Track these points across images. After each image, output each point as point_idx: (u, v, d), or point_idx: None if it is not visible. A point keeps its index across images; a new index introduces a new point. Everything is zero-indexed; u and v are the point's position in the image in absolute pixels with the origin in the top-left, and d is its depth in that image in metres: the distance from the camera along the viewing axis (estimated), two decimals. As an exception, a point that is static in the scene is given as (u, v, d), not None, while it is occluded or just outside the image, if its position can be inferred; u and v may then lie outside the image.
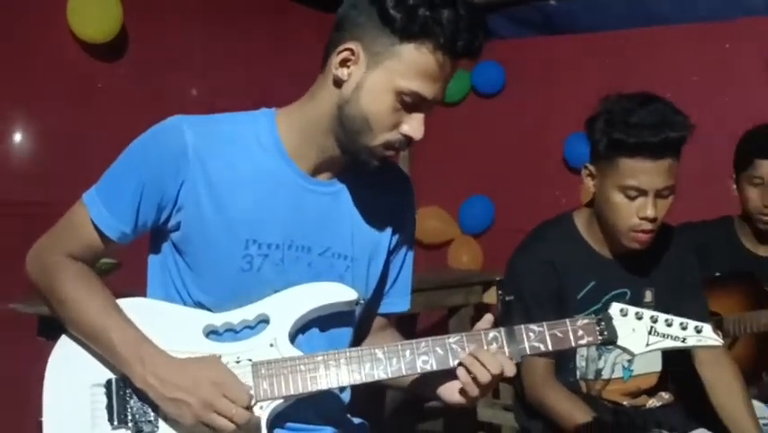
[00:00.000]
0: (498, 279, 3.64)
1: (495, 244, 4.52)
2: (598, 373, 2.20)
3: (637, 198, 2.04)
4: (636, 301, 2.16)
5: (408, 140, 1.59)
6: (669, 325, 1.60)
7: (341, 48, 1.57)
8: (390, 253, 1.80)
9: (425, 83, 1.54)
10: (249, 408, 1.52)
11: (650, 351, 1.59)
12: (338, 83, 1.59)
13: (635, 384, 2.22)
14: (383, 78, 1.54)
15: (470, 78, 4.74)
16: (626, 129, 2.00)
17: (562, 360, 2.18)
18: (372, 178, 1.71)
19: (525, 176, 4.55)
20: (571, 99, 4.35)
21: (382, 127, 1.57)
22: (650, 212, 2.03)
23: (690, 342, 1.59)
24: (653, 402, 2.25)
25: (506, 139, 4.66)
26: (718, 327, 2.54)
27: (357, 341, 1.78)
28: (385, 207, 1.76)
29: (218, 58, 4.02)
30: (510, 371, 1.53)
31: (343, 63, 1.57)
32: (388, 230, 1.78)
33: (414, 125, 1.58)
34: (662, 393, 2.26)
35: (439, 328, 3.99)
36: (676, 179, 2.06)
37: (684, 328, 1.60)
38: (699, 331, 1.59)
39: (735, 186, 2.65)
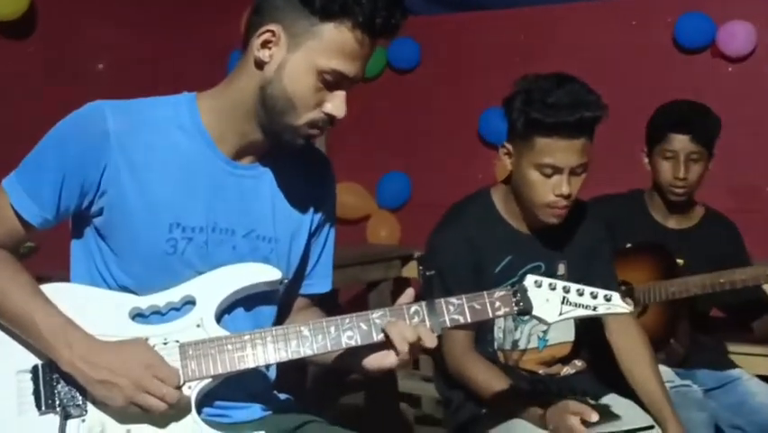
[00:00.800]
0: (418, 255, 3.72)
1: (412, 219, 4.60)
2: (515, 343, 2.28)
3: (553, 175, 2.11)
4: (550, 274, 2.24)
5: (331, 118, 1.62)
6: (581, 294, 1.67)
7: (261, 30, 1.59)
8: (311, 235, 1.83)
9: (345, 61, 1.57)
10: (179, 387, 1.54)
11: (563, 319, 1.67)
12: (260, 65, 1.60)
13: (550, 353, 2.31)
14: (305, 59, 1.57)
15: (386, 55, 4.77)
16: (543, 109, 2.06)
17: (481, 332, 2.24)
18: (294, 162, 1.75)
19: (440, 151, 4.62)
20: (485, 75, 4.46)
21: (305, 107, 1.59)
22: (565, 189, 2.11)
23: (601, 310, 1.67)
24: (567, 370, 2.33)
25: (421, 115, 4.71)
26: (629, 295, 2.65)
27: (280, 321, 1.81)
28: (306, 190, 1.79)
29: (129, 35, 3.96)
30: (430, 342, 1.58)
31: (264, 45, 1.59)
32: (309, 212, 1.81)
33: (336, 104, 1.61)
34: (576, 361, 2.35)
35: (359, 303, 4.03)
36: (589, 157, 2.14)
37: (595, 297, 1.67)
38: (608, 300, 1.67)
39: (647, 159, 2.74)
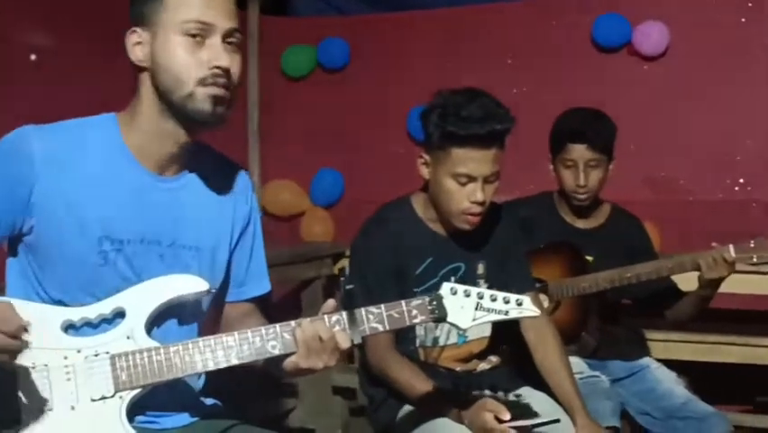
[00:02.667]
0: (340, 267, 3.83)
1: (345, 216, 4.69)
2: (435, 340, 2.40)
3: (468, 183, 2.25)
4: (470, 274, 2.38)
5: (220, 70, 1.68)
6: (494, 300, 1.79)
7: (126, 38, 1.73)
8: (236, 243, 1.92)
9: (200, 9, 1.68)
10: (16, 336, 1.53)
11: (476, 324, 1.79)
12: (141, 67, 1.72)
13: (468, 349, 2.44)
14: (165, 31, 1.69)
15: (316, 54, 4.85)
16: (457, 122, 2.20)
17: (403, 330, 2.36)
18: (214, 173, 1.86)
19: (372, 148, 4.71)
20: (413, 74, 4.57)
21: (187, 70, 1.68)
22: (479, 196, 2.25)
23: (513, 314, 1.80)
24: (482, 366, 2.46)
25: (352, 113, 4.80)
26: (543, 291, 2.80)
27: (213, 329, 1.90)
28: (225, 200, 1.89)
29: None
30: (344, 342, 1.69)
31: (134, 48, 1.72)
32: (230, 221, 1.90)
33: (213, 52, 1.69)
34: (491, 357, 2.48)
35: (292, 302, 4.13)
36: (501, 166, 2.28)
37: (507, 302, 1.80)
38: (519, 304, 1.80)
39: (551, 166, 2.89)
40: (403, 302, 1.76)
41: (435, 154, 2.28)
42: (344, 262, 4.11)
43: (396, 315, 1.75)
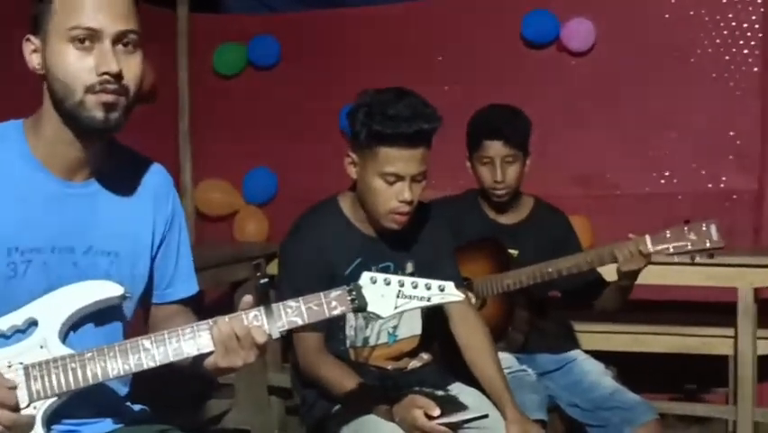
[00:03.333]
0: (255, 262, 3.80)
1: (279, 214, 4.66)
2: (366, 340, 2.40)
3: (395, 183, 2.25)
4: (399, 272, 2.38)
5: (109, 76, 1.65)
6: (415, 287, 1.76)
7: (23, 47, 1.71)
8: (161, 243, 1.89)
9: (86, 14, 1.64)
10: (16, 409, 1.58)
11: (398, 312, 1.76)
12: (39, 75, 1.70)
13: (399, 348, 2.44)
14: (55, 39, 1.66)
15: (246, 52, 4.82)
16: (384, 121, 2.20)
17: (332, 331, 2.36)
18: (130, 174, 1.83)
19: (305, 146, 4.69)
20: (345, 72, 4.57)
21: (75, 77, 1.65)
22: (407, 195, 2.26)
23: (435, 300, 1.76)
24: (413, 364, 2.48)
25: (284, 111, 4.77)
26: (470, 289, 2.82)
27: (140, 332, 1.87)
28: (145, 201, 1.85)
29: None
30: (261, 337, 1.68)
31: (31, 56, 1.70)
32: (150, 223, 1.86)
33: (101, 58, 1.65)
34: (422, 355, 2.49)
35: (225, 303, 4.09)
36: (428, 165, 2.28)
37: (429, 288, 1.76)
38: (442, 289, 1.76)
39: (469, 164, 2.91)
40: (321, 294, 1.73)
41: (362, 153, 2.28)
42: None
43: (314, 307, 1.72)
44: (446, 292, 1.77)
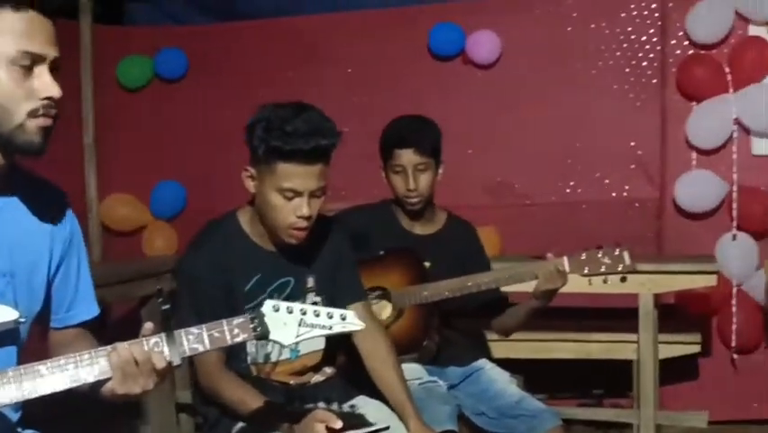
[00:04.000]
0: (158, 288, 3.74)
1: (189, 228, 4.56)
2: (268, 356, 2.38)
3: (294, 198, 2.23)
4: (300, 287, 2.38)
5: (51, 101, 1.65)
6: (317, 315, 1.79)
7: None
8: (59, 266, 1.85)
9: (26, 39, 1.63)
10: None
11: (300, 340, 1.79)
12: None
13: (302, 363, 2.42)
14: None
15: (153, 65, 4.75)
16: (282, 137, 2.18)
17: (234, 348, 2.32)
18: (29, 196, 1.78)
19: (213, 159, 4.64)
20: (253, 84, 4.54)
21: (16, 101, 1.63)
22: (305, 211, 2.24)
23: (336, 328, 1.79)
24: (317, 378, 2.46)
25: (192, 123, 4.73)
26: (387, 299, 2.83)
27: (42, 356, 1.82)
28: (43, 222, 1.81)
29: None
30: (160, 363, 1.67)
31: None
32: (48, 245, 1.82)
33: (43, 82, 1.64)
34: (326, 369, 2.48)
35: (131, 320, 4.02)
36: (327, 180, 2.28)
37: (331, 317, 1.79)
38: (343, 318, 1.79)
39: (384, 174, 2.93)
40: (224, 321, 1.74)
41: (260, 168, 2.26)
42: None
43: (216, 334, 1.73)
44: (347, 321, 1.80)
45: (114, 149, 4.78)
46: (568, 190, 4.39)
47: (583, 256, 2.68)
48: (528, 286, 2.80)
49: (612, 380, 4.18)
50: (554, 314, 4.11)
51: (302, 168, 2.20)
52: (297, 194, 2.23)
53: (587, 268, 2.68)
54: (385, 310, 2.82)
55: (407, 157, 2.81)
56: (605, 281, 2.72)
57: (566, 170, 4.38)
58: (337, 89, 4.56)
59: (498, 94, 4.43)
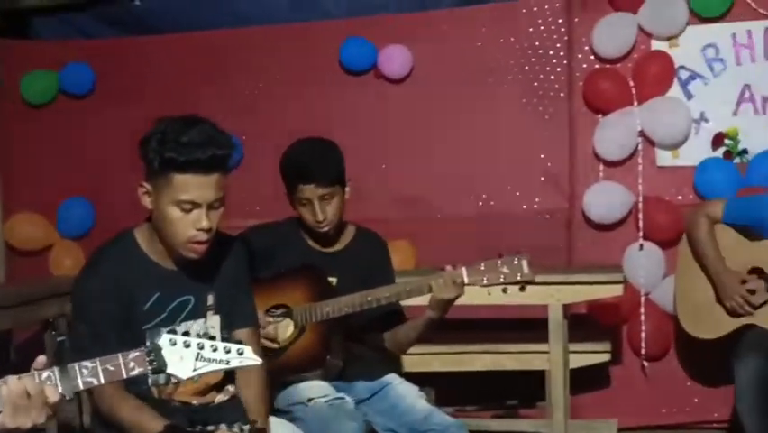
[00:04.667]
0: (50, 320, 3.65)
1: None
2: (169, 377, 2.32)
3: (192, 210, 2.20)
4: (200, 306, 2.34)
5: None
6: (214, 350, 1.79)
7: None
8: None
9: None
10: None
11: (197, 375, 1.79)
12: None
13: (205, 381, 2.37)
14: None
15: (58, 80, 4.64)
16: (177, 148, 2.16)
17: None
18: None
19: (121, 177, 4.52)
20: (161, 99, 4.46)
21: None
22: (204, 223, 2.21)
23: (234, 363, 1.80)
24: (220, 397, 2.42)
25: (99, 140, 4.63)
26: (289, 317, 2.80)
27: None
28: None
29: None
30: (53, 396, 1.65)
31: None
32: None
33: None
34: (229, 387, 2.43)
35: (35, 343, 3.90)
36: (225, 192, 2.25)
37: (228, 352, 1.80)
38: (240, 353, 1.80)
39: (291, 202, 2.89)
40: (120, 355, 1.73)
41: (156, 182, 2.22)
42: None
43: (111, 368, 1.72)
44: (245, 356, 1.80)
45: (18, 167, 4.66)
46: (480, 203, 4.42)
47: (482, 266, 2.68)
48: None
49: (527, 390, 4.21)
50: (468, 326, 4.17)
51: (199, 178, 2.18)
52: (196, 206, 2.20)
53: (485, 278, 2.68)
54: (287, 328, 2.79)
55: (311, 191, 2.78)
56: (504, 291, 2.72)
57: (478, 182, 4.42)
58: (248, 104, 4.52)
59: (410, 108, 4.44)
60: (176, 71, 4.58)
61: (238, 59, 4.56)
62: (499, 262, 2.68)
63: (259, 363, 1.83)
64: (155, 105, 4.38)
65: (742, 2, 4.04)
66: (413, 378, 3.10)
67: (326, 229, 2.83)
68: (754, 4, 4.03)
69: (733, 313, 3.46)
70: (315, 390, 2.63)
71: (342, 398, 2.71)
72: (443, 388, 3.89)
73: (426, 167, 4.45)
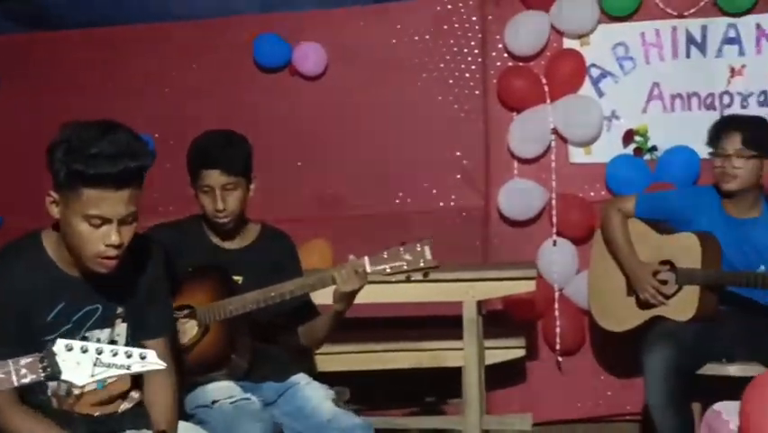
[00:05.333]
0: None
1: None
2: (69, 388, 2.23)
3: (102, 225, 2.06)
4: (108, 315, 2.24)
5: None
6: (114, 355, 1.75)
7: None
8: None
9: None
10: None
11: (95, 380, 1.75)
12: None
13: (108, 392, 2.29)
14: None
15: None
16: (85, 160, 1.99)
17: None
18: None
19: (27, 179, 4.36)
20: (69, 98, 4.33)
21: None
22: (115, 239, 2.07)
23: (135, 368, 1.76)
24: (125, 406, 2.34)
25: (3, 140, 4.47)
26: (192, 317, 2.75)
27: None
28: None
29: None
30: None
31: None
32: None
33: None
34: (133, 394, 2.35)
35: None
36: (138, 205, 2.12)
37: (129, 357, 1.76)
38: (143, 358, 1.76)
39: (193, 192, 2.84)
40: (10, 362, 1.68)
41: (64, 194, 2.06)
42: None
43: (1, 375, 1.68)
44: (147, 361, 1.77)
45: None
46: (397, 201, 4.41)
47: (385, 255, 2.67)
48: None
49: (447, 388, 4.21)
50: (384, 324, 4.17)
51: (109, 193, 2.02)
52: (106, 221, 2.06)
53: (388, 266, 2.65)
54: (191, 329, 2.74)
55: (215, 178, 2.74)
56: (408, 279, 2.70)
57: (395, 180, 4.40)
58: (160, 101, 4.43)
59: (325, 105, 4.41)
60: (84, 68, 4.45)
61: (148, 56, 4.46)
62: (402, 249, 2.66)
63: (162, 367, 1.77)
64: (61, 104, 4.29)
65: (650, 2, 4.11)
66: (328, 377, 3.07)
67: (225, 220, 2.79)
68: (661, 4, 4.10)
69: (645, 304, 3.52)
70: (221, 391, 2.57)
71: (249, 399, 2.66)
72: (362, 387, 3.87)
73: (342, 165, 4.42)
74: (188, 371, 2.71)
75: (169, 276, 2.61)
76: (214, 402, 2.61)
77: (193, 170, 2.79)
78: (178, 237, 2.83)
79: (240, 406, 2.59)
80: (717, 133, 3.44)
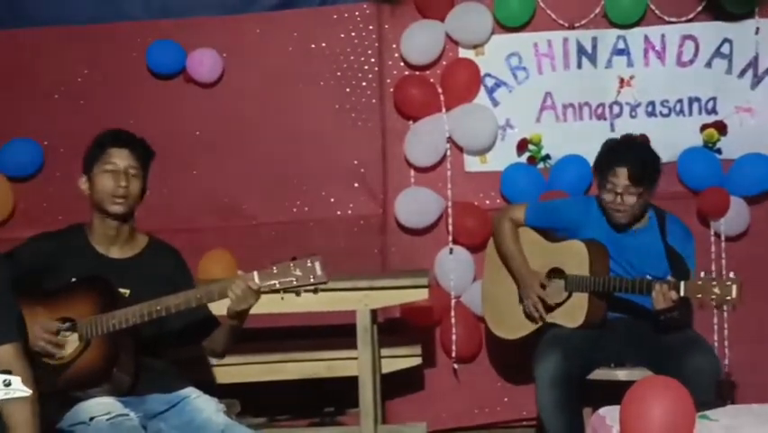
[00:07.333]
0: None
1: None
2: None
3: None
4: None
5: None
6: None
7: None
8: None
9: None
10: None
11: None
12: None
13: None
14: None
15: None
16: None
17: None
18: None
19: None
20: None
21: None
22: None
23: None
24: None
25: None
26: (74, 330, 2.66)
27: None
28: None
29: None
30: None
31: None
32: None
33: None
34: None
35: None
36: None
37: None
38: (7, 384, 1.74)
39: (86, 184, 2.81)
40: None
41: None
42: None
43: None
44: (11, 388, 1.75)
45: None
46: (295, 209, 4.38)
47: (274, 270, 2.61)
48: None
49: (348, 397, 4.20)
50: (279, 335, 4.13)
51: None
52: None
53: (278, 282, 2.60)
54: (72, 343, 2.65)
55: (123, 157, 2.79)
56: (297, 294, 2.65)
57: (292, 189, 4.38)
58: (49, 108, 4.31)
59: (221, 113, 4.35)
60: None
61: (38, 61, 4.34)
62: (292, 264, 2.61)
63: (28, 394, 1.74)
64: None
65: (543, 13, 4.18)
66: (223, 390, 3.02)
67: (122, 202, 2.77)
68: (554, 15, 4.18)
69: (529, 316, 3.58)
70: (98, 408, 2.50)
71: (127, 415, 2.58)
72: (257, 398, 3.83)
73: (240, 173, 4.37)
74: (68, 386, 2.63)
75: (45, 286, 2.63)
76: (91, 419, 2.53)
77: (99, 150, 2.80)
78: (59, 247, 2.77)
79: (116, 423, 2.51)
80: (605, 167, 3.45)
